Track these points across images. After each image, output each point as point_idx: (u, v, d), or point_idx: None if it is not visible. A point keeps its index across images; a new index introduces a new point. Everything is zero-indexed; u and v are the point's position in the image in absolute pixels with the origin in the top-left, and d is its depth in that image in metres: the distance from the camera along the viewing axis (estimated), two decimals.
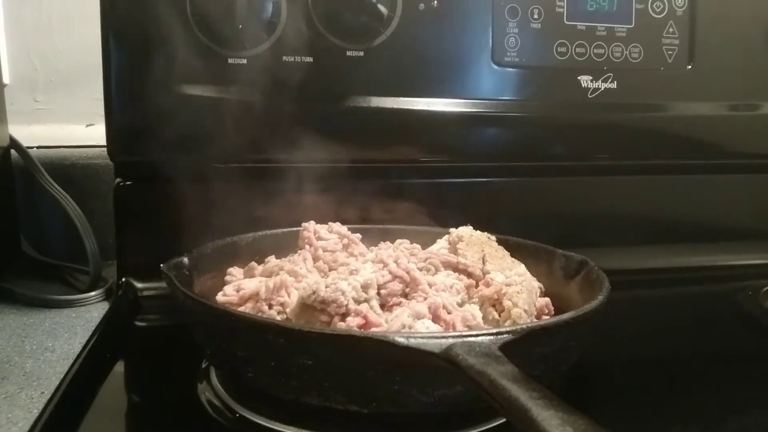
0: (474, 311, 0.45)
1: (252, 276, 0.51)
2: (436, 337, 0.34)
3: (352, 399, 0.37)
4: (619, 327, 0.58)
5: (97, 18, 0.62)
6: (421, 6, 0.66)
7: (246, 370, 0.40)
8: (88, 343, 0.52)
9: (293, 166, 0.65)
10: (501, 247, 0.55)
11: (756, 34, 0.76)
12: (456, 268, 0.51)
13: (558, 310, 0.49)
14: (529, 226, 0.61)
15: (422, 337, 0.34)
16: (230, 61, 0.63)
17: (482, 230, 0.56)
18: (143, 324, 0.62)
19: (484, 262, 0.52)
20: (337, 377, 0.37)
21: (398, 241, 0.57)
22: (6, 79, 0.83)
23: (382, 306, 0.45)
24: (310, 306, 0.41)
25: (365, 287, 0.43)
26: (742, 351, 0.58)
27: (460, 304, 0.47)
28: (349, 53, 0.65)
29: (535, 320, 0.46)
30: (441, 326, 0.43)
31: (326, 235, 0.55)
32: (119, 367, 0.51)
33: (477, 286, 0.49)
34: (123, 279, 0.66)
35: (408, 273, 0.46)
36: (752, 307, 0.65)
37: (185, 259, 0.48)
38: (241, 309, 0.45)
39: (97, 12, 0.62)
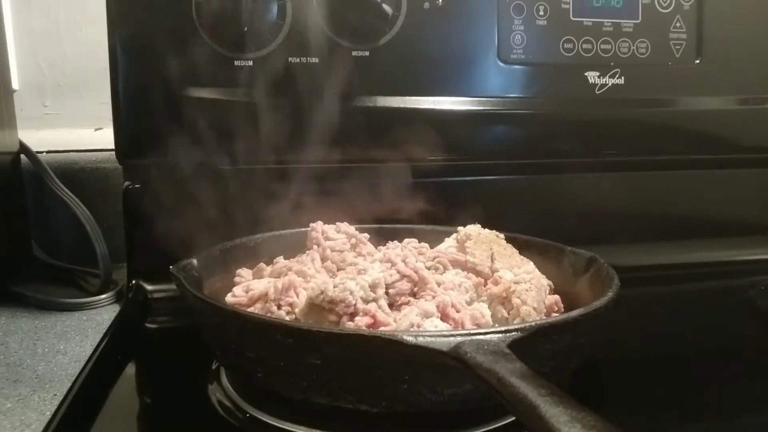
0: (483, 309, 0.45)
1: (261, 277, 0.51)
2: (445, 336, 0.34)
3: (362, 398, 0.37)
4: (628, 324, 0.58)
5: (104, 23, 0.63)
6: (426, 5, 0.66)
7: (256, 370, 0.40)
8: (100, 345, 0.52)
9: (301, 166, 0.65)
10: (509, 245, 0.54)
11: (764, 26, 0.75)
12: (464, 267, 0.51)
13: (568, 308, 0.49)
14: (538, 223, 0.60)
15: (431, 336, 0.34)
16: (236, 63, 0.63)
17: (490, 228, 0.56)
18: (154, 326, 0.62)
19: (492, 261, 0.51)
20: (346, 377, 0.37)
21: (406, 240, 0.57)
22: (15, 85, 0.84)
23: (391, 305, 0.44)
24: (319, 306, 0.41)
25: (373, 287, 0.43)
26: (755, 347, 0.57)
27: (469, 303, 0.47)
28: (354, 53, 0.65)
29: (544, 318, 0.46)
30: (450, 325, 0.43)
31: (334, 235, 0.55)
32: (130, 369, 0.51)
33: (486, 284, 0.49)
34: (133, 281, 0.66)
35: (416, 272, 0.46)
36: (764, 303, 0.64)
37: (194, 261, 0.48)
38: (250, 310, 0.45)
39: (104, 16, 0.63)
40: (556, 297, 0.49)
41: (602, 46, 0.71)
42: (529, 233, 0.58)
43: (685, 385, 0.49)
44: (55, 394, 0.46)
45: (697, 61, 0.74)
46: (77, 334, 0.58)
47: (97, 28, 0.67)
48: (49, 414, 0.43)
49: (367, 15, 0.64)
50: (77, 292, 0.70)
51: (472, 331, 0.35)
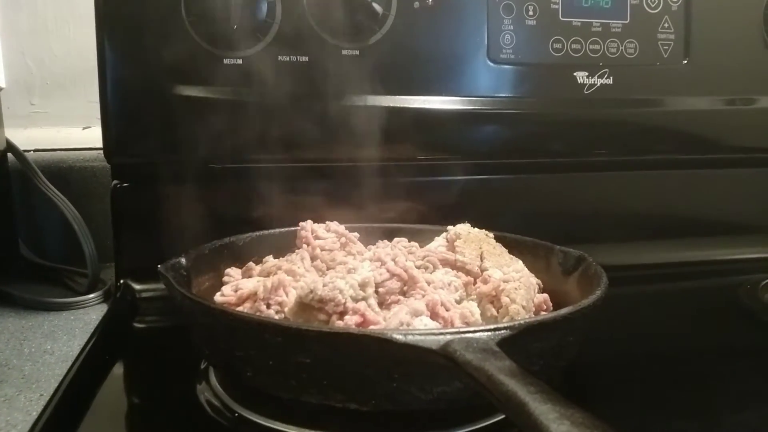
0: (472, 308, 0.45)
1: (250, 276, 0.51)
2: (434, 334, 0.34)
3: (351, 397, 0.37)
4: (617, 322, 0.58)
5: (92, 20, 0.62)
6: (416, 4, 0.66)
7: (245, 369, 0.40)
8: (87, 345, 0.52)
9: (290, 166, 0.65)
10: (499, 244, 0.55)
11: (751, 27, 0.76)
12: (454, 266, 0.51)
13: (556, 306, 0.49)
14: (527, 222, 0.60)
15: (420, 334, 0.34)
16: (225, 61, 0.63)
17: (480, 227, 0.56)
18: (142, 325, 0.61)
19: (482, 259, 0.51)
20: (336, 375, 0.36)
21: (396, 239, 0.57)
22: (2, 83, 0.83)
23: (381, 304, 0.44)
24: (308, 305, 0.41)
25: (363, 286, 0.43)
26: (741, 345, 0.58)
27: (459, 302, 0.47)
28: (344, 52, 0.65)
29: (533, 316, 0.46)
30: (439, 323, 0.43)
31: (324, 234, 0.55)
32: (118, 369, 0.51)
33: (475, 283, 0.49)
34: (121, 281, 0.66)
35: (406, 271, 0.46)
36: (751, 302, 0.65)
37: (183, 260, 0.48)
38: (239, 309, 0.45)
39: (92, 15, 0.62)
40: (545, 296, 0.50)
41: (591, 47, 0.72)
42: (518, 232, 0.58)
43: (673, 383, 0.49)
44: (42, 395, 0.46)
45: (685, 62, 0.75)
46: (64, 333, 0.58)
47: (85, 26, 0.67)
48: (35, 414, 0.42)
49: (357, 14, 0.64)
50: (65, 292, 0.70)
51: (461, 330, 0.35)
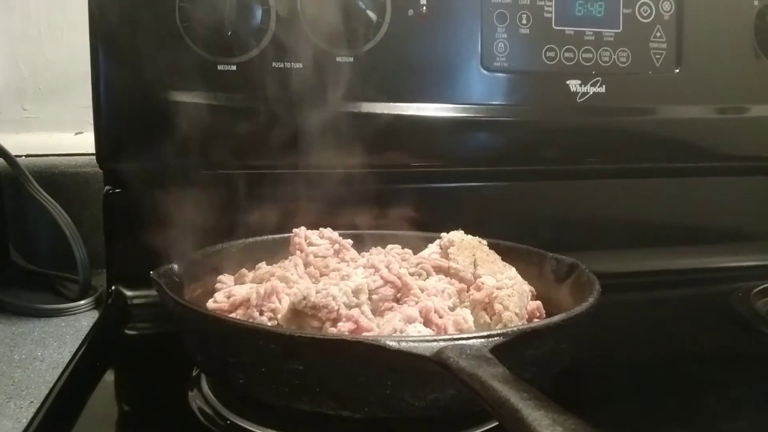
0: (465, 315, 0.45)
1: (242, 282, 0.51)
2: (428, 341, 0.34)
3: (344, 404, 0.37)
4: (610, 329, 0.58)
5: (86, 26, 0.62)
6: (411, 12, 0.67)
7: (237, 376, 0.40)
8: (78, 352, 0.51)
9: (282, 172, 0.65)
10: (492, 251, 0.55)
11: (743, 36, 0.76)
12: (447, 273, 0.51)
13: (549, 314, 0.49)
14: (520, 229, 0.61)
15: (413, 341, 0.34)
16: (219, 67, 0.63)
17: (473, 234, 0.56)
18: (133, 332, 0.61)
19: (475, 267, 0.51)
20: (329, 382, 0.36)
21: (389, 246, 0.57)
22: None
23: (374, 311, 0.44)
24: (301, 311, 0.41)
25: (356, 292, 0.43)
26: (733, 352, 0.58)
27: (452, 308, 0.47)
28: (338, 59, 0.65)
29: (526, 323, 0.46)
30: (433, 330, 0.43)
31: (317, 241, 0.55)
32: (109, 376, 0.51)
33: (468, 290, 0.49)
34: (113, 287, 0.65)
35: (399, 278, 0.46)
36: (743, 309, 0.65)
37: (175, 266, 0.48)
38: (232, 316, 0.45)
39: (85, 20, 0.62)
40: (538, 303, 0.50)
41: (584, 55, 0.72)
42: (511, 239, 0.58)
43: (665, 389, 0.49)
44: (32, 402, 0.45)
45: (677, 71, 0.75)
46: (55, 340, 0.57)
47: (78, 31, 0.67)
48: (25, 422, 0.42)
49: (351, 21, 0.64)
50: (55, 298, 0.69)
51: (454, 336, 0.35)
